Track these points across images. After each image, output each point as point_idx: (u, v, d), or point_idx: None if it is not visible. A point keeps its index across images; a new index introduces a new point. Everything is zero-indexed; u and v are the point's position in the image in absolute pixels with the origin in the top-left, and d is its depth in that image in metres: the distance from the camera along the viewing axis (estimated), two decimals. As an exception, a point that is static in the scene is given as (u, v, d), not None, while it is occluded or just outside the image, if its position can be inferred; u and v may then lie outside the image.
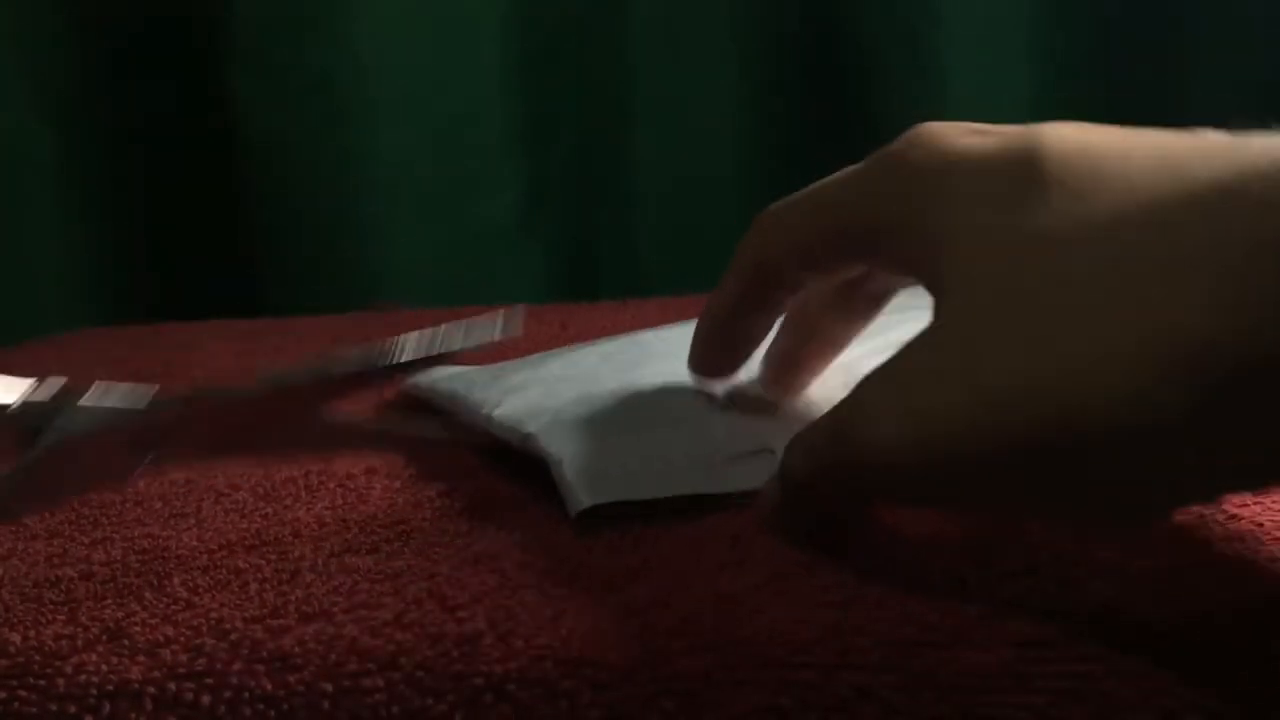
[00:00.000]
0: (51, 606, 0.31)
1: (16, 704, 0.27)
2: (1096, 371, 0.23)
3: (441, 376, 0.48)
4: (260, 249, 0.90)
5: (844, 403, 0.29)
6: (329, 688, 0.27)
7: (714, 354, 0.38)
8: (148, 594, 0.32)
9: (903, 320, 0.42)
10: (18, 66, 0.84)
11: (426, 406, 0.47)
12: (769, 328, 0.37)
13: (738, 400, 0.39)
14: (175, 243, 0.93)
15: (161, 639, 0.29)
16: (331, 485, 0.40)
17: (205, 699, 0.27)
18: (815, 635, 0.26)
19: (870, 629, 0.26)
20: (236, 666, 0.27)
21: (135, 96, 0.89)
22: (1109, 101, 0.97)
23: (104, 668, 0.28)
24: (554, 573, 0.31)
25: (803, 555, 0.30)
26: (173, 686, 0.27)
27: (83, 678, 0.27)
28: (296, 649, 0.28)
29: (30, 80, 0.85)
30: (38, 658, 0.28)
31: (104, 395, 0.37)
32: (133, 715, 0.27)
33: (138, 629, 0.29)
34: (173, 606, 0.30)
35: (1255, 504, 0.34)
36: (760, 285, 0.35)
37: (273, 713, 0.27)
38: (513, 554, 0.32)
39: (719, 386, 0.40)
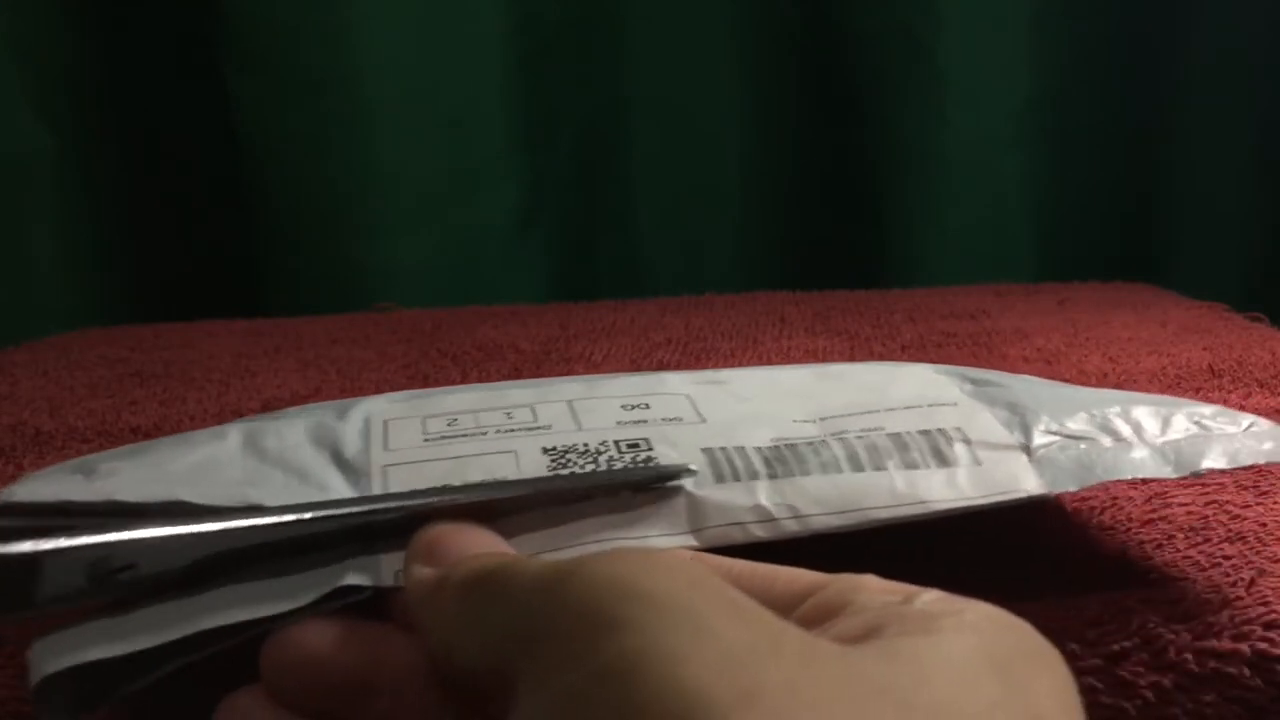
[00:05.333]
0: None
1: (16, 703, 0.27)
2: None
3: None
4: (260, 249, 0.90)
5: None
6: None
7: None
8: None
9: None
10: (18, 66, 0.84)
11: None
12: None
13: None
14: (176, 243, 0.93)
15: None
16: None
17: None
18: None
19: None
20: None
21: (135, 97, 0.89)
22: (1108, 103, 0.97)
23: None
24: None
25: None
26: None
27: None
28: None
29: (30, 80, 0.85)
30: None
31: None
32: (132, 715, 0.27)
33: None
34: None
35: (1258, 505, 0.34)
36: None
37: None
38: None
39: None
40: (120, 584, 0.24)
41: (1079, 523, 0.34)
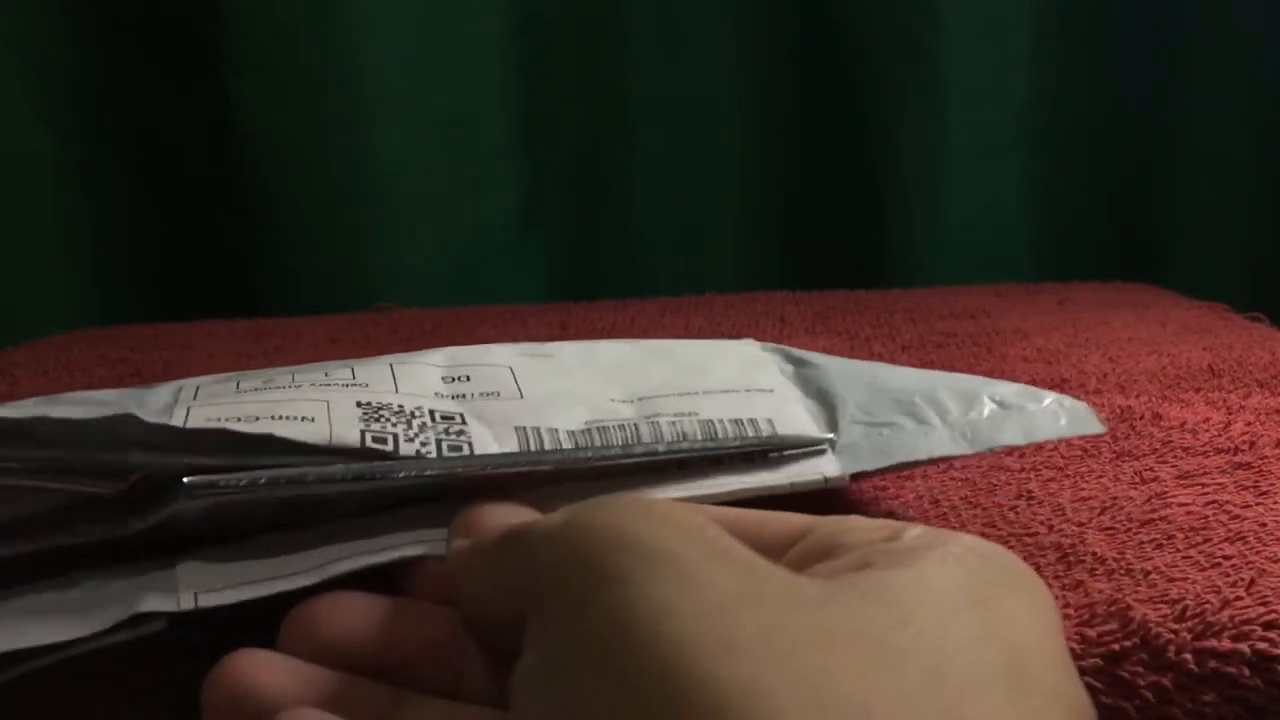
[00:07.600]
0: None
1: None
2: None
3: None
4: (260, 249, 0.90)
5: None
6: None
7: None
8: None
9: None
10: (18, 67, 0.84)
11: None
12: None
13: None
14: (176, 243, 0.93)
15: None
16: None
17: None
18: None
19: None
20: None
21: (136, 97, 0.89)
22: (1108, 103, 0.97)
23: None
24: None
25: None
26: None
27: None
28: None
29: (30, 80, 0.85)
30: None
31: None
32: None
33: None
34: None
35: (1258, 505, 0.34)
36: None
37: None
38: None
39: None
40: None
41: (1078, 522, 0.34)
